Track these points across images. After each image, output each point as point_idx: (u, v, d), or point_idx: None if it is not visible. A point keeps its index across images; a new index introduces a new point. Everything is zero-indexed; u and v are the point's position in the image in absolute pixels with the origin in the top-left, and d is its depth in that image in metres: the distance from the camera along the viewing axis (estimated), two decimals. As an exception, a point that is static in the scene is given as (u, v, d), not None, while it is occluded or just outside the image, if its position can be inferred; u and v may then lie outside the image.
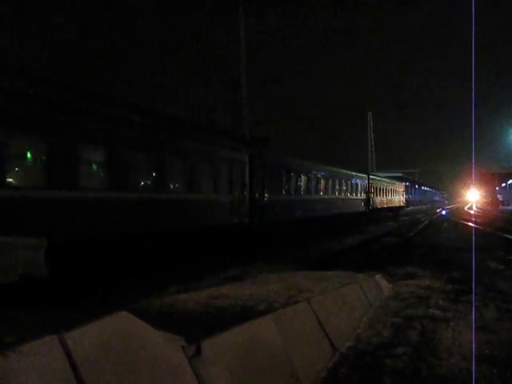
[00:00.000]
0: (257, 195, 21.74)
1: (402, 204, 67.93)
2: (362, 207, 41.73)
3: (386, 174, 75.24)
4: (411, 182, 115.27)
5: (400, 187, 67.55)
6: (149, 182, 15.00)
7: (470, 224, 37.17)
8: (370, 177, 45.96)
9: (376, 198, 47.42)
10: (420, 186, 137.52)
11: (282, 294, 7.33)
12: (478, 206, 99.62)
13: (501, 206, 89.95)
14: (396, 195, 62.24)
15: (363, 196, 42.35)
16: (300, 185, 27.69)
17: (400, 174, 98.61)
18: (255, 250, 19.17)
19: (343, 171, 36.94)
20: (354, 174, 40.24)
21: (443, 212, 71.32)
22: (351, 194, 38.41)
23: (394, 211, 60.10)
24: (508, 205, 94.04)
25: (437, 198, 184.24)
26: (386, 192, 53.58)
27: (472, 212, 70.03)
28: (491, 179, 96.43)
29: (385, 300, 9.86)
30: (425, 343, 7.00)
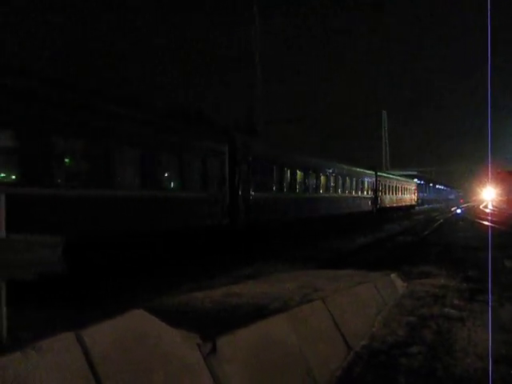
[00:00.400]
0: (240, 192, 18.76)
1: (413, 203, 65.11)
2: (368, 206, 39.04)
3: (400, 173, 74.94)
4: (426, 180, 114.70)
5: (411, 185, 64.62)
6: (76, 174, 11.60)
7: (485, 223, 36.87)
8: (378, 174, 42.83)
9: (385, 196, 44.85)
10: (435, 185, 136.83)
11: (296, 293, 7.33)
12: (494, 204, 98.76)
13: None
14: (407, 193, 59.13)
15: (370, 194, 39.59)
16: (295, 181, 24.70)
17: (415, 173, 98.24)
18: (234, 255, 16.27)
19: (347, 167, 33.81)
20: (360, 170, 37.31)
21: (458, 210, 70.72)
22: (356, 192, 35.55)
23: (405, 210, 56.98)
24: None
25: (452, 197, 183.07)
26: (395, 190, 50.59)
27: (488, 210, 69.43)
28: (507, 177, 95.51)
29: (399, 299, 9.82)
30: (440, 342, 6.97)
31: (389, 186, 46.85)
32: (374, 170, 41.45)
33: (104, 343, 3.53)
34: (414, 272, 13.25)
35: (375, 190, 40.65)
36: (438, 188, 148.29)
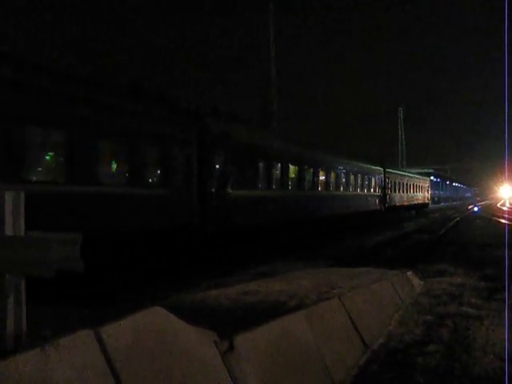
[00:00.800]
0: (213, 189, 15.53)
1: (426, 201, 61.90)
2: (376, 205, 35.80)
3: (416, 171, 74.45)
4: (442, 178, 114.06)
5: (424, 182, 60.70)
6: None
7: (502, 221, 36.56)
8: (387, 170, 39.11)
9: (394, 194, 41.58)
10: (451, 183, 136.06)
11: (312, 291, 7.31)
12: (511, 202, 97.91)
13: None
14: (419, 191, 55.55)
15: (378, 192, 36.35)
16: (287, 177, 21.50)
17: (431, 170, 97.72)
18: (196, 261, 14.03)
19: (351, 162, 30.46)
20: (366, 166, 33.85)
21: (475, 208, 70.08)
22: (362, 189, 32.36)
23: (417, 209, 53.91)
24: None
25: (468, 195, 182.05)
26: (406, 187, 47.17)
27: (505, 209, 68.82)
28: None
29: (416, 297, 9.77)
30: (457, 341, 6.92)
31: (399, 183, 43.70)
32: (381, 166, 38.00)
33: (122, 340, 3.54)
34: (431, 270, 13.17)
35: (383, 188, 37.72)
36: (455, 186, 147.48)
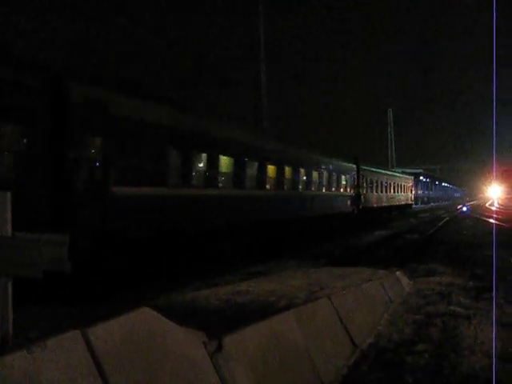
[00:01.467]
0: (79, 185, 10.43)
1: (409, 202, 57.36)
2: (347, 207, 31.31)
3: (406, 170, 74.64)
4: (431, 178, 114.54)
5: (406, 181, 55.97)
6: None
7: (491, 221, 36.76)
8: (362, 167, 34.84)
9: (371, 194, 37.58)
10: (440, 183, 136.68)
11: (302, 291, 7.32)
12: (500, 202, 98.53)
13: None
14: (400, 191, 50.90)
15: (349, 192, 32.07)
16: (217, 171, 16.34)
17: (420, 170, 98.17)
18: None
19: (312, 155, 25.96)
20: (334, 161, 29.23)
21: (464, 208, 70.30)
22: (328, 188, 27.67)
23: (399, 211, 49.56)
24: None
25: (457, 195, 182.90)
26: (385, 187, 42.83)
27: (493, 208, 69.19)
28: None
29: (406, 297, 9.81)
30: (446, 340, 6.95)
31: (376, 182, 39.38)
32: (355, 162, 33.86)
33: (110, 341, 3.53)
34: (420, 270, 13.23)
35: (357, 187, 33.57)
36: (444, 186, 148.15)
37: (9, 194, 3.56)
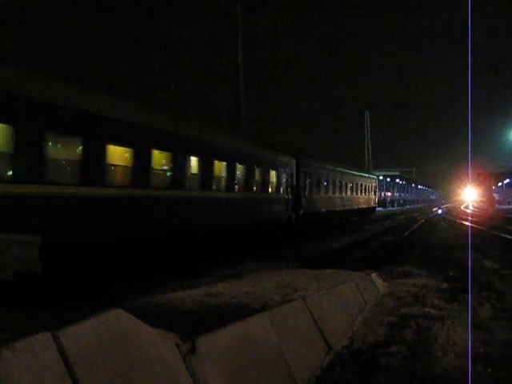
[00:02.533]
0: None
1: (372, 205, 49.31)
2: (280, 213, 24.28)
3: (383, 173, 75.12)
4: (408, 180, 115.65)
5: (368, 181, 47.49)
6: None
7: (466, 223, 37.23)
8: (304, 163, 27.61)
9: (317, 196, 30.34)
10: (417, 185, 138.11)
11: (277, 292, 7.33)
12: (475, 205, 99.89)
13: (497, 205, 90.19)
14: (360, 192, 42.97)
15: (284, 193, 24.71)
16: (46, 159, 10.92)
17: (397, 173, 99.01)
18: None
19: (228, 144, 19.13)
20: (257, 152, 21.98)
21: (439, 211, 71.29)
22: (246, 188, 20.26)
23: (358, 216, 41.38)
24: (504, 204, 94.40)
25: (433, 197, 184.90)
26: (339, 187, 35.45)
27: (468, 211, 70.15)
28: (487, 178, 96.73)
29: (380, 298, 9.87)
30: (420, 342, 7.01)
31: (326, 181, 32.38)
32: (294, 156, 26.62)
33: (81, 343, 3.49)
34: (395, 272, 13.33)
35: (295, 187, 26.34)
36: (420, 188, 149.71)
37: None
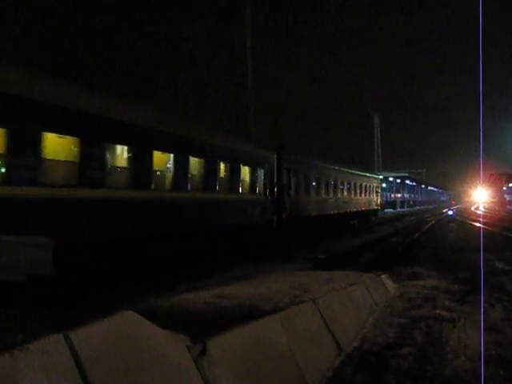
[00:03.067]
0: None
1: (374, 207, 43.68)
2: (259, 216, 20.60)
3: (392, 174, 74.75)
4: (418, 182, 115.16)
5: (369, 181, 42.23)
6: None
7: (477, 224, 37.04)
8: (287, 158, 23.63)
9: (305, 197, 26.11)
10: (427, 186, 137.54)
11: (287, 294, 7.33)
12: (486, 206, 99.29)
13: (508, 206, 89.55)
14: (360, 193, 38.08)
15: (263, 194, 21.24)
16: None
17: (406, 174, 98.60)
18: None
19: (198, 136, 16.03)
20: (228, 145, 18.27)
21: (450, 212, 70.86)
22: (214, 189, 16.76)
23: (358, 219, 37.43)
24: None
25: (444, 198, 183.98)
26: (333, 187, 30.93)
27: (479, 212, 69.73)
28: (498, 179, 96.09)
29: (390, 300, 9.85)
30: (430, 344, 6.98)
31: (317, 180, 28.16)
32: (274, 150, 22.76)
33: (93, 345, 3.51)
34: (405, 273, 13.29)
35: (278, 186, 22.68)
36: (430, 189, 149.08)
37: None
